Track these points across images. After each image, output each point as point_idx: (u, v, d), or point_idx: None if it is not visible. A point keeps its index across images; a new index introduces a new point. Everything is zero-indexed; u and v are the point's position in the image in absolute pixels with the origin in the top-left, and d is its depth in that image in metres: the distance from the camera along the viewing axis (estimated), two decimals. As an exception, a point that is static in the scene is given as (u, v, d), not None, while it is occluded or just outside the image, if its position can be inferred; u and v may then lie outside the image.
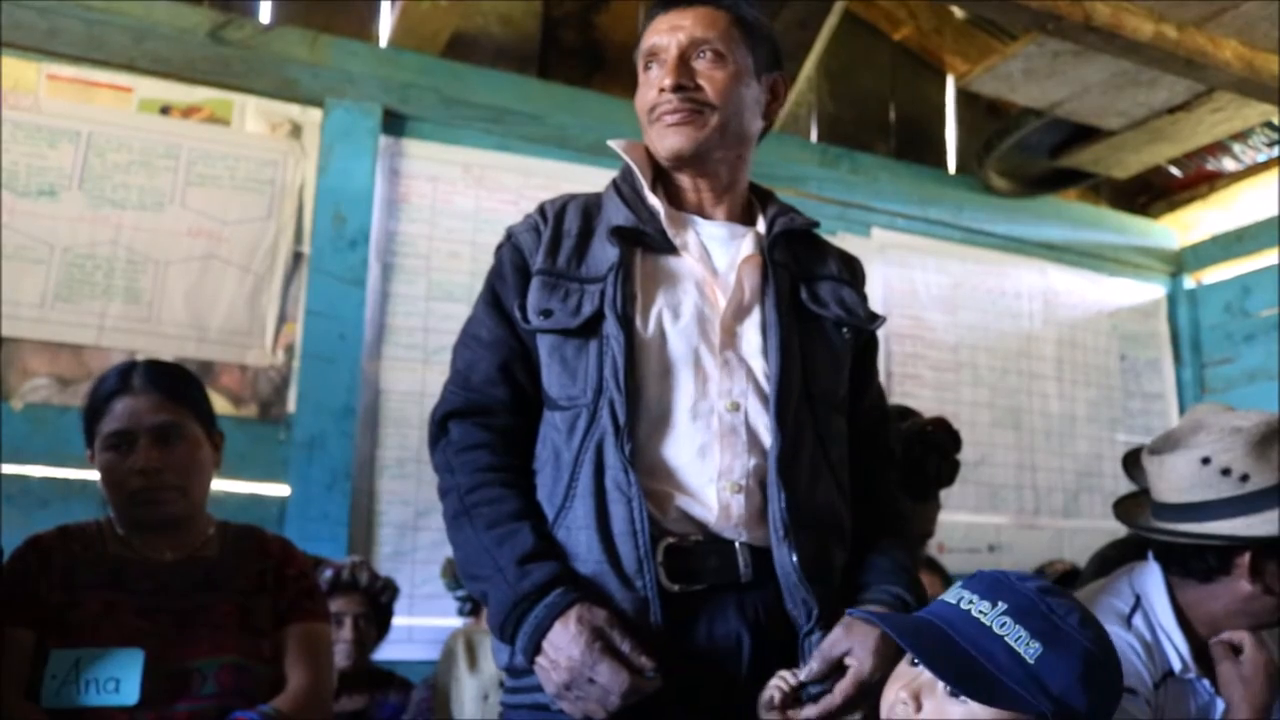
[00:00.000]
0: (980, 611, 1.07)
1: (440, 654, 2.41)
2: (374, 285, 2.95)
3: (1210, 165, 4.15)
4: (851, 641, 1.28)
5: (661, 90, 1.46)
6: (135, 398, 1.77)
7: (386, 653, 2.52)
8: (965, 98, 4.09)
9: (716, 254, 1.48)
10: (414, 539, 2.86)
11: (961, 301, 3.88)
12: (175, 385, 1.82)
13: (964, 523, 3.63)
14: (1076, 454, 3.97)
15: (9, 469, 2.49)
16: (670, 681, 1.23)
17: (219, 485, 1.91)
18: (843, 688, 1.25)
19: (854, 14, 3.85)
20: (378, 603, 2.42)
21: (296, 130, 2.97)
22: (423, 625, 2.75)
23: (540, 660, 1.25)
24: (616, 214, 1.46)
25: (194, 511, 1.83)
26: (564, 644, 1.23)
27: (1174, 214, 4.35)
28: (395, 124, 3.08)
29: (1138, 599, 1.86)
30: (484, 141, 3.18)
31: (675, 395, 1.38)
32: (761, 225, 1.51)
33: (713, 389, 1.39)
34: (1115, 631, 1.79)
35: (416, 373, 2.95)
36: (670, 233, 1.46)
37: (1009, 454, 3.83)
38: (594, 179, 3.13)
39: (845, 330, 1.50)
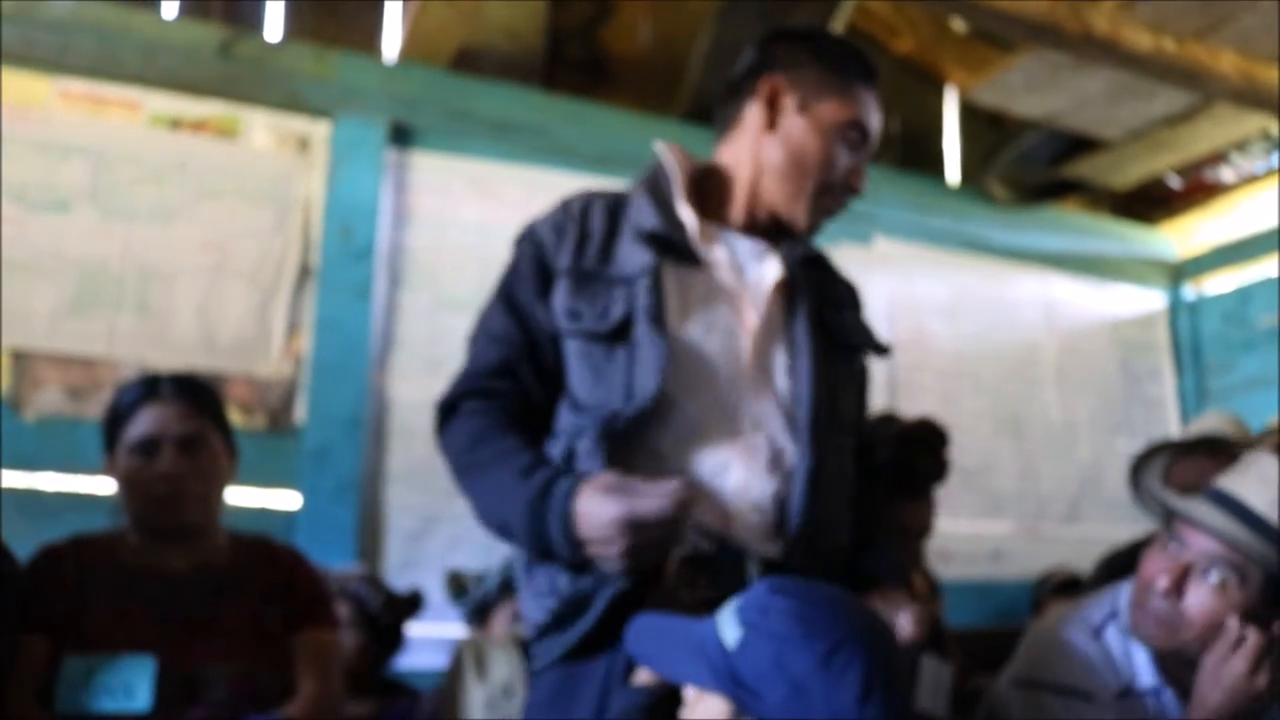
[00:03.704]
0: (724, 609, 1.11)
1: (449, 663, 2.43)
2: (381, 297, 2.98)
3: (1209, 175, 4.18)
4: (890, 607, 1.36)
5: (850, 189, 1.52)
6: (163, 406, 1.80)
7: (394, 662, 2.54)
8: (966, 109, 4.12)
9: (749, 270, 1.49)
10: (422, 549, 2.88)
11: (963, 310, 3.89)
12: (200, 397, 1.86)
13: (966, 531, 3.64)
14: (1078, 461, 3.98)
15: (22, 480, 2.51)
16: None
17: (228, 495, 1.94)
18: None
19: (854, 26, 3.87)
20: (370, 614, 2.42)
21: (304, 144, 3.00)
22: (430, 635, 2.76)
23: (589, 549, 1.25)
24: (648, 218, 1.46)
25: (210, 521, 1.86)
26: (595, 515, 1.23)
27: (1174, 224, 4.37)
28: (402, 137, 3.10)
29: (1114, 613, 1.87)
30: (490, 154, 3.20)
31: (701, 410, 1.38)
32: (785, 248, 1.53)
33: (738, 407, 1.40)
34: (1079, 641, 1.86)
35: (424, 383, 2.97)
36: (701, 246, 1.46)
37: (1011, 462, 3.84)
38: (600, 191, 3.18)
39: (861, 355, 1.56)
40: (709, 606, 1.31)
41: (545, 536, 1.27)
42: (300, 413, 2.82)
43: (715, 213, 1.52)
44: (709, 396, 1.39)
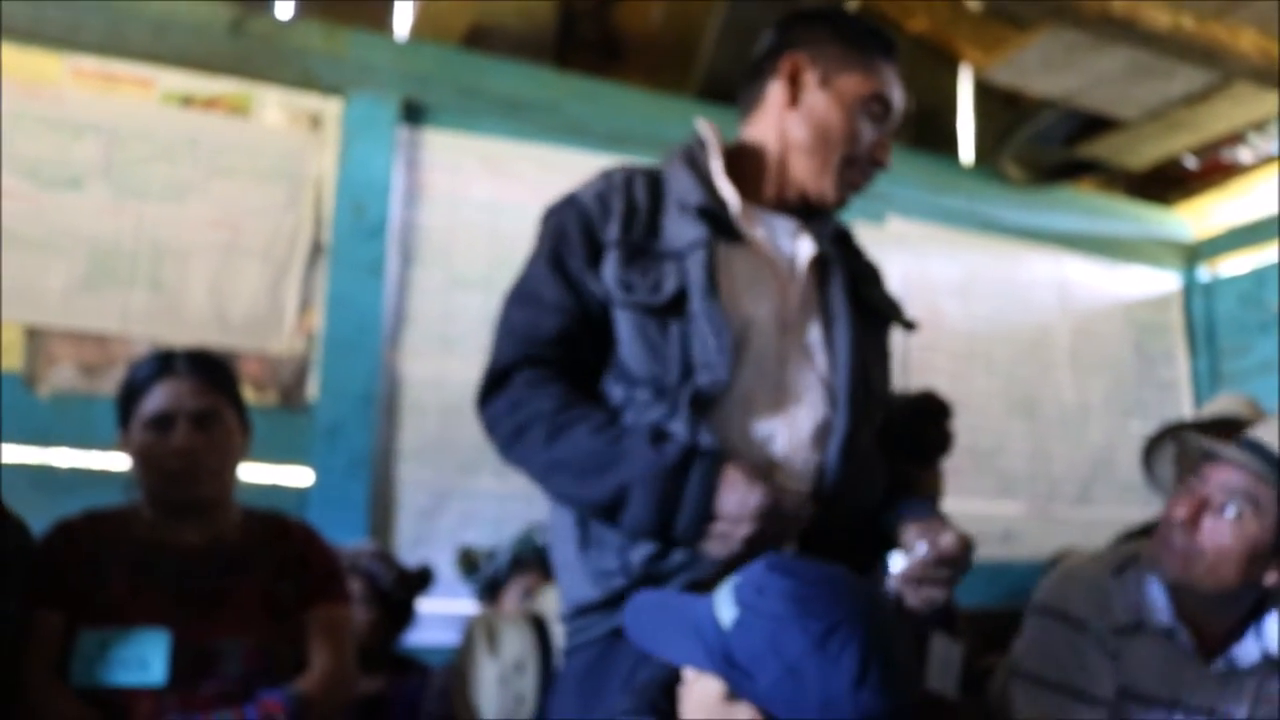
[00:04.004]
0: (722, 587, 1.12)
1: (460, 639, 2.45)
2: (393, 274, 2.98)
3: (1226, 156, 4.14)
4: (930, 531, 1.40)
5: (875, 163, 1.53)
6: (178, 381, 1.80)
7: (405, 638, 2.56)
8: (981, 88, 4.09)
9: (784, 248, 1.51)
10: (433, 525, 2.89)
11: (976, 291, 3.88)
12: (215, 372, 1.87)
13: (977, 512, 3.64)
14: (1091, 443, 3.97)
15: (36, 456, 2.53)
16: None
17: (241, 471, 1.95)
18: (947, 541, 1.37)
19: (869, 5, 3.85)
20: (381, 590, 2.44)
21: (315, 121, 3.00)
22: (441, 611, 2.77)
23: (716, 527, 1.28)
24: (692, 192, 1.47)
25: (224, 496, 1.87)
26: (741, 498, 1.26)
27: (1190, 204, 4.34)
28: (414, 114, 3.10)
29: (1136, 557, 1.94)
30: (502, 132, 3.19)
31: (751, 383, 1.40)
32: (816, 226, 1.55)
33: (783, 380, 1.43)
34: (1096, 574, 1.95)
35: (436, 361, 2.98)
36: (742, 223, 1.48)
37: (1023, 443, 3.83)
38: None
39: (890, 328, 1.59)
40: None
41: (675, 505, 1.28)
42: (312, 389, 2.82)
43: (748, 191, 1.52)
44: (757, 370, 1.41)
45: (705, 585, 1.27)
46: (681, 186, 1.48)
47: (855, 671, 0.99)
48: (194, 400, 1.80)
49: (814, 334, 1.48)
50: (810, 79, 1.51)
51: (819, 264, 1.52)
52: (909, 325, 1.64)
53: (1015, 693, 1.95)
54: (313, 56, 2.93)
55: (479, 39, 3.30)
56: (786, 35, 1.55)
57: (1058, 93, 3.41)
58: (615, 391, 1.41)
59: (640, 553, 1.34)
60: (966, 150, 4.09)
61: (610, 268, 1.41)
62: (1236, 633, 1.88)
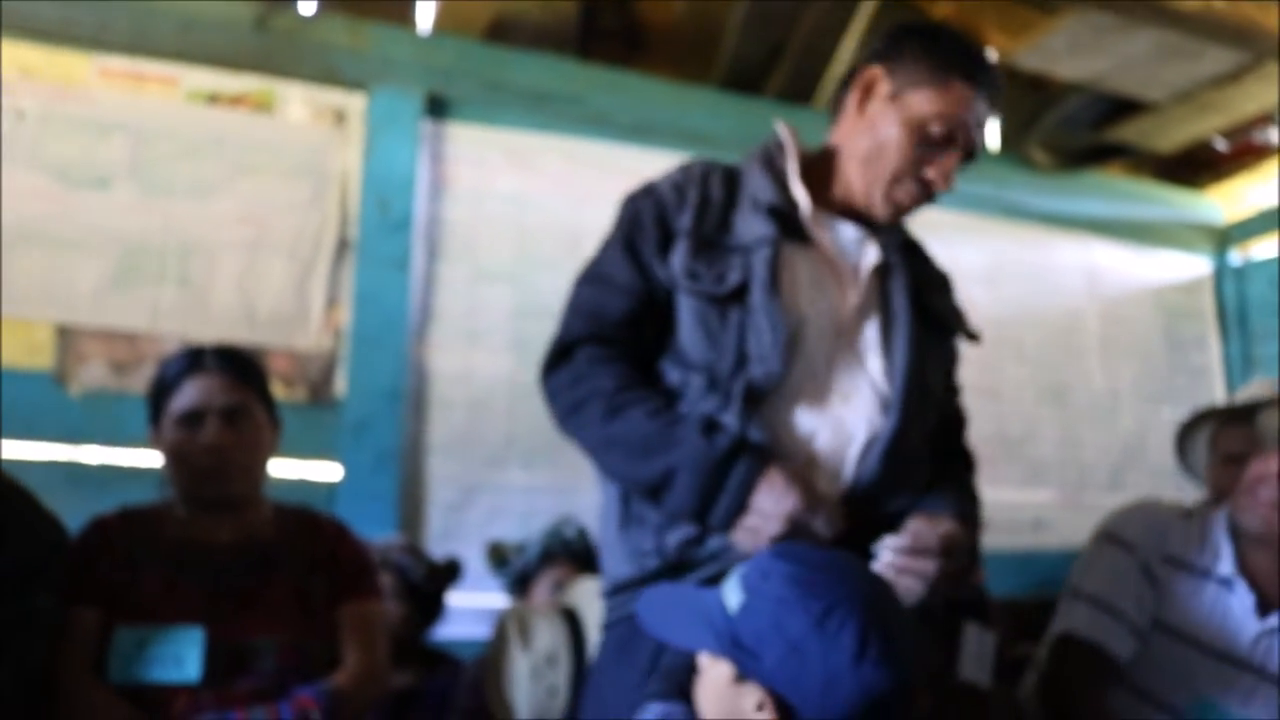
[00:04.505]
0: (730, 576, 1.18)
1: (491, 632, 2.45)
2: (419, 269, 2.98)
3: (1257, 138, 4.08)
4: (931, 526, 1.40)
5: (928, 184, 1.52)
6: (207, 378, 1.81)
7: (435, 632, 2.56)
8: (1007, 73, 4.04)
9: (851, 253, 1.53)
10: (462, 519, 2.90)
11: (1004, 278, 3.85)
12: (244, 369, 1.88)
13: (1007, 500, 3.61)
14: (1121, 430, 3.94)
15: (68, 453, 2.55)
16: None
17: (271, 467, 1.96)
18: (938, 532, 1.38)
19: (897, -9, 3.82)
20: (412, 584, 2.45)
21: (340, 117, 3.00)
22: (470, 604, 2.78)
23: (748, 520, 1.32)
24: (764, 191, 1.51)
25: (254, 492, 1.87)
26: (777, 498, 1.30)
27: (1220, 187, 4.28)
28: (438, 108, 3.10)
29: (1207, 510, 2.08)
30: (526, 124, 3.19)
31: (801, 379, 1.43)
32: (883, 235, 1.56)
33: (831, 380, 1.46)
34: (1159, 509, 2.12)
35: (462, 354, 2.98)
36: (811, 226, 1.51)
37: (1053, 430, 3.80)
38: (636, 160, 3.17)
39: (954, 337, 1.63)
40: None
41: (715, 494, 1.32)
42: (340, 385, 2.83)
43: (820, 195, 1.55)
44: (807, 368, 1.44)
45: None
46: (756, 185, 1.52)
47: (854, 648, 1.05)
48: (223, 396, 1.81)
49: (870, 338, 1.50)
50: (882, 91, 1.52)
51: (883, 271, 1.54)
52: (972, 336, 1.67)
53: (1059, 607, 2.08)
54: (336, 52, 2.94)
55: (502, 31, 3.30)
56: (878, 48, 1.56)
57: (1085, 76, 3.37)
58: (672, 375, 1.46)
59: (676, 536, 1.39)
60: (993, 136, 4.06)
61: (679, 256, 1.46)
62: None
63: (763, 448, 1.35)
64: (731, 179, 1.55)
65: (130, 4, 2.72)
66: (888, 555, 1.37)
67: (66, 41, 2.74)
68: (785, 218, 1.49)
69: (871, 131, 1.51)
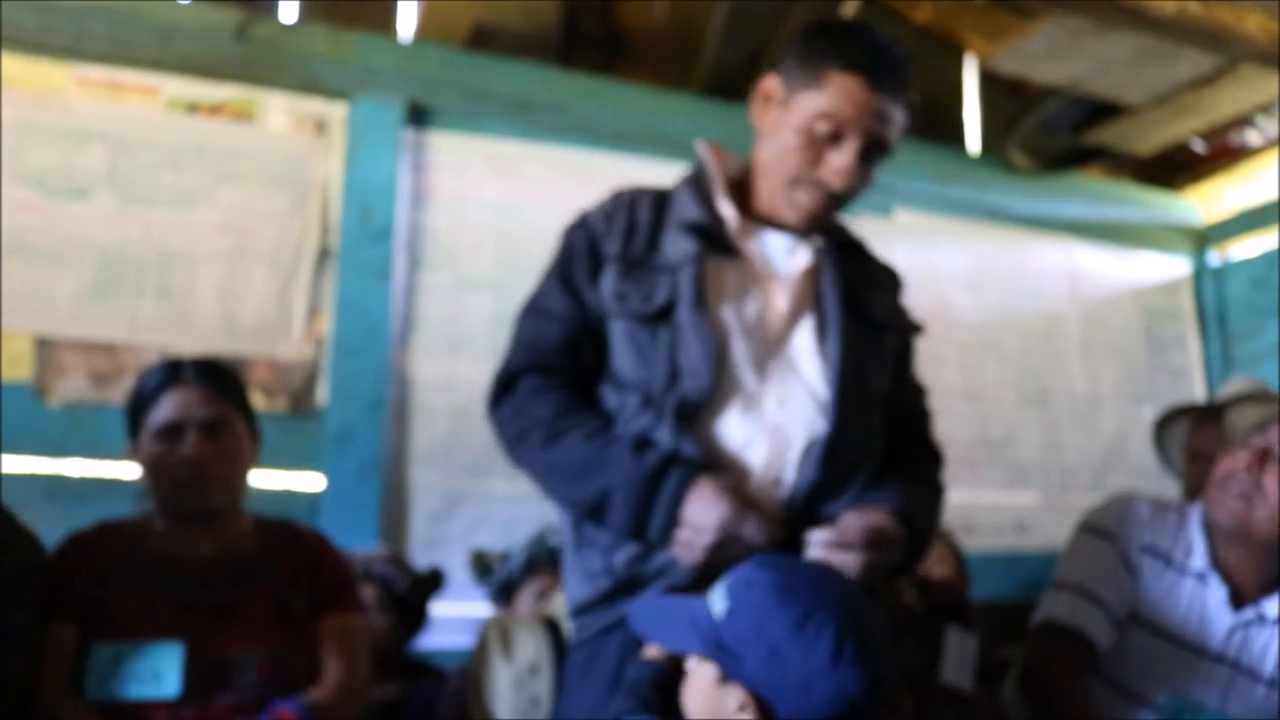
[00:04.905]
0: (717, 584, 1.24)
1: (474, 642, 2.45)
2: (401, 278, 2.98)
3: (1234, 139, 4.11)
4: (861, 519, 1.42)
5: (825, 185, 1.48)
6: (186, 390, 1.81)
7: (418, 642, 2.56)
8: (986, 77, 4.07)
9: (778, 262, 1.55)
10: (445, 529, 2.89)
11: (985, 281, 3.86)
12: (223, 381, 1.87)
13: (990, 503, 3.63)
14: (1103, 431, 3.95)
15: (47, 466, 2.53)
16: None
17: (252, 478, 1.95)
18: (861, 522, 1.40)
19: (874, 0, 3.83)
20: (396, 595, 2.44)
21: (321, 126, 2.99)
22: (454, 614, 2.77)
23: (681, 534, 1.35)
24: (690, 210, 1.53)
25: (234, 505, 1.87)
26: (706, 508, 1.33)
27: (1198, 189, 4.31)
28: (419, 117, 3.09)
29: (1185, 506, 2.13)
30: (508, 132, 3.18)
31: (732, 389, 1.45)
32: (815, 239, 1.56)
33: (764, 386, 1.47)
34: (1137, 501, 2.16)
35: (445, 363, 2.98)
36: (738, 239, 1.53)
37: (1035, 432, 3.81)
38: (618, 168, 3.17)
39: (890, 335, 1.60)
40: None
41: (648, 510, 1.36)
42: (322, 394, 2.82)
43: (750, 209, 1.58)
44: (738, 379, 1.46)
45: (681, 591, 1.36)
46: (682, 205, 1.55)
47: (831, 651, 1.12)
48: (203, 409, 1.80)
49: (803, 342, 1.51)
50: (776, 98, 1.52)
51: (815, 274, 1.56)
52: (914, 329, 1.66)
53: (1042, 599, 2.12)
54: (317, 61, 2.93)
55: (483, 39, 3.29)
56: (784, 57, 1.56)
57: (1063, 80, 3.39)
58: (610, 398, 1.49)
59: (623, 555, 1.42)
60: (973, 140, 4.07)
61: (608, 280, 1.50)
62: (1270, 585, 1.99)
63: (693, 461, 1.38)
64: (661, 202, 1.58)
65: (108, 13, 2.70)
66: (814, 549, 1.38)
67: (44, 51, 2.72)
68: (710, 234, 1.51)
69: (772, 140, 1.52)
